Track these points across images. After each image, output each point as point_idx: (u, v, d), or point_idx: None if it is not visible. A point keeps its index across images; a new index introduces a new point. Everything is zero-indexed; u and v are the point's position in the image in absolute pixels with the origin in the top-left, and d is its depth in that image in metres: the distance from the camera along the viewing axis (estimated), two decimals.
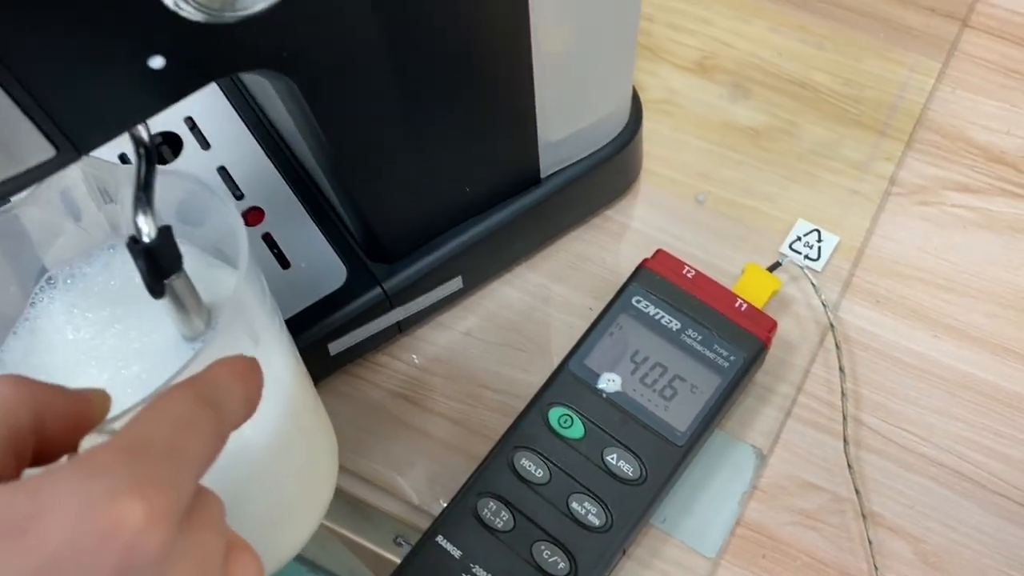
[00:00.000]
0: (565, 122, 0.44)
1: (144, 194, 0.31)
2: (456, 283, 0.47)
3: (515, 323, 0.49)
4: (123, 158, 0.46)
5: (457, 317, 0.49)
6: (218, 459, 0.25)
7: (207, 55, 0.29)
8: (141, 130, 0.31)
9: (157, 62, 0.28)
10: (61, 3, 0.25)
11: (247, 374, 0.27)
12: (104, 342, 0.33)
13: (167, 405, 0.24)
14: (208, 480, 0.25)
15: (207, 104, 0.48)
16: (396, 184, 0.40)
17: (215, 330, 0.29)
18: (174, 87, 0.29)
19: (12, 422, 0.23)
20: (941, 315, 0.48)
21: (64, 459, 0.25)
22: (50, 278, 0.35)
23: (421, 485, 0.45)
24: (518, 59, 0.38)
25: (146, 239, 0.30)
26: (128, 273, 0.35)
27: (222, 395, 0.25)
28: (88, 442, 0.26)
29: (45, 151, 0.28)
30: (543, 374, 0.45)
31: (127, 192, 0.31)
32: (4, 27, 0.24)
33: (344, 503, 0.47)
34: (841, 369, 0.46)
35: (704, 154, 0.53)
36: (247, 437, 0.31)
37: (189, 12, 0.25)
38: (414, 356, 0.49)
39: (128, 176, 0.30)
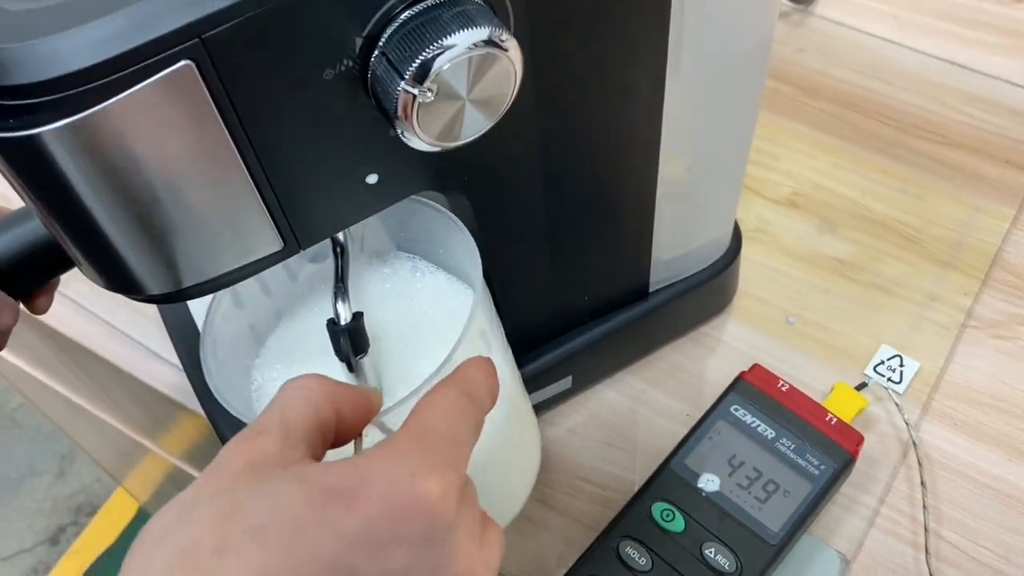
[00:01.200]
0: (676, 244, 0.49)
1: (342, 284, 0.37)
2: (566, 382, 0.52)
3: (615, 423, 0.54)
4: None
5: (563, 415, 0.54)
6: None
7: (408, 177, 0.35)
8: (340, 235, 0.38)
9: (372, 179, 0.34)
10: (314, 130, 0.31)
11: (491, 371, 0.33)
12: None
13: (440, 399, 0.30)
14: None
15: None
16: (530, 288, 0.46)
17: (462, 337, 0.35)
18: (380, 200, 0.35)
19: (322, 413, 0.29)
20: (1016, 441, 0.51)
21: (352, 443, 0.31)
22: None
23: (527, 567, 0.49)
24: (645, 189, 0.44)
25: (343, 322, 0.36)
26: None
27: (476, 389, 0.31)
28: (368, 431, 0.32)
29: (274, 246, 0.34)
30: (638, 471, 0.49)
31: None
32: (268, 144, 0.30)
33: None
34: (923, 483, 0.49)
35: (793, 280, 0.58)
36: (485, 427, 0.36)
37: (418, 144, 0.31)
38: None
39: None
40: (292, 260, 0.35)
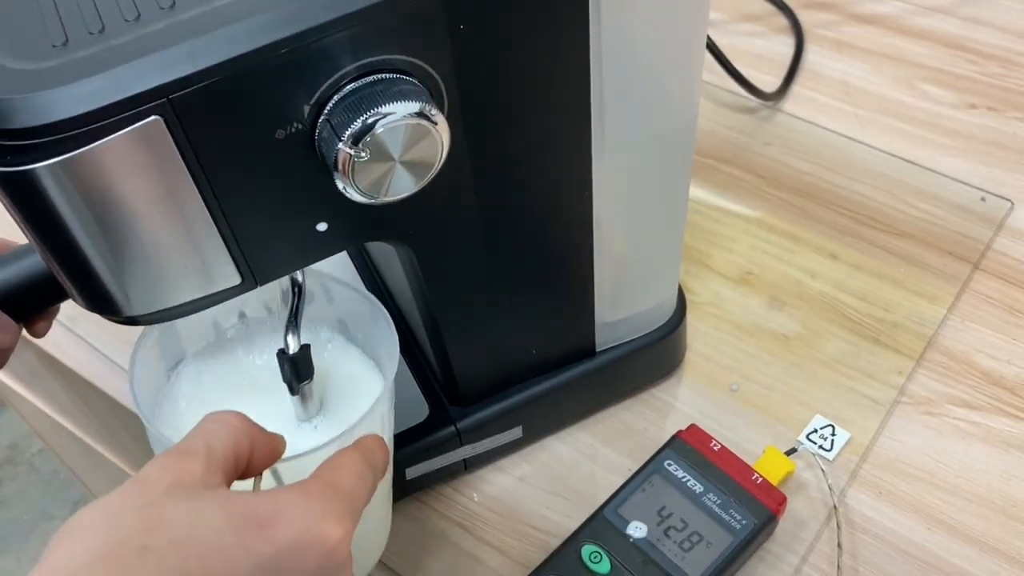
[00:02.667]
0: (619, 307, 0.54)
1: (294, 319, 0.42)
2: (517, 432, 0.56)
3: (563, 475, 0.57)
4: None
5: (515, 464, 0.58)
6: None
7: (356, 225, 0.40)
8: (298, 274, 0.43)
9: (322, 226, 0.39)
10: (269, 181, 0.36)
11: (386, 448, 0.38)
12: None
13: (348, 461, 0.35)
14: None
15: (337, 267, 0.60)
16: (477, 340, 0.51)
17: (366, 416, 0.40)
18: (330, 246, 0.40)
19: (240, 446, 0.34)
20: (937, 511, 0.54)
21: (251, 481, 0.36)
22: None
23: None
24: (582, 253, 0.49)
25: (291, 351, 0.41)
26: (252, 374, 0.46)
27: (375, 461, 0.37)
28: (267, 473, 0.36)
29: (233, 279, 0.39)
30: (580, 519, 0.53)
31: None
32: (228, 191, 0.36)
33: None
34: (839, 545, 0.53)
35: (740, 351, 0.62)
36: None
37: (354, 196, 0.36)
38: (474, 493, 0.57)
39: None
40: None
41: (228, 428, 0.34)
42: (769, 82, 0.77)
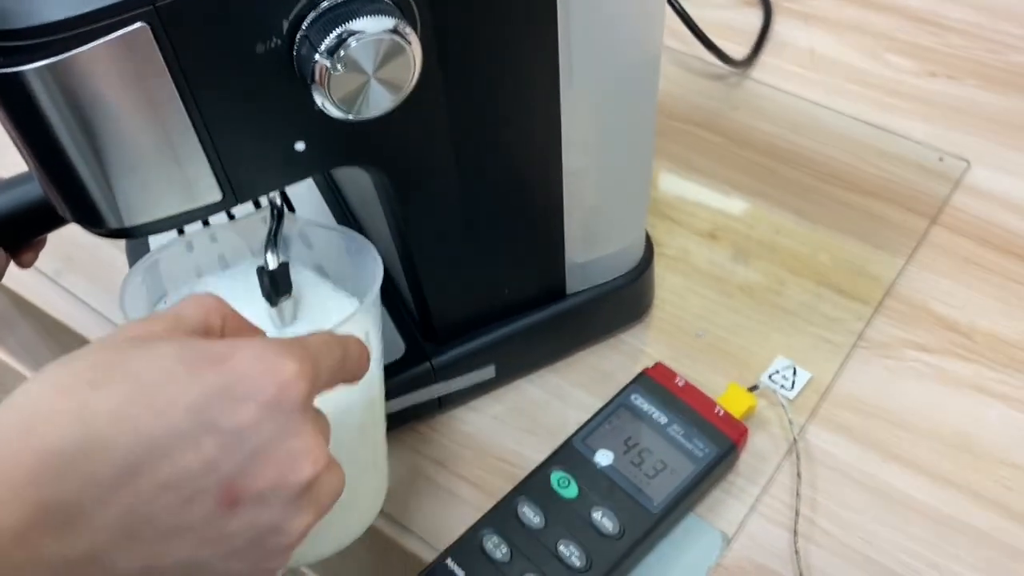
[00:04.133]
0: (588, 248, 0.56)
1: (274, 239, 0.44)
2: (489, 371, 0.58)
3: (534, 414, 0.59)
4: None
5: (487, 403, 0.60)
6: None
7: (334, 146, 0.42)
8: (276, 196, 0.45)
9: (300, 146, 0.41)
10: (250, 96, 0.38)
11: (364, 352, 0.38)
12: None
13: (318, 336, 0.36)
14: None
15: (306, 199, 0.62)
16: (451, 275, 0.53)
17: (358, 312, 0.41)
18: (309, 166, 0.42)
19: (210, 320, 0.35)
20: (891, 446, 0.57)
21: None
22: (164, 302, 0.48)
23: (440, 530, 0.54)
24: (551, 188, 0.51)
25: (271, 267, 0.43)
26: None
27: (349, 349, 0.37)
28: None
29: (215, 195, 0.41)
30: (549, 453, 0.55)
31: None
32: (211, 104, 0.38)
33: (372, 538, 0.56)
34: (798, 475, 0.55)
35: (707, 301, 0.64)
36: (343, 410, 0.42)
37: (331, 110, 0.38)
38: (449, 431, 0.59)
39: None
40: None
41: (200, 302, 0.35)
42: (738, 51, 0.79)
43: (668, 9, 0.76)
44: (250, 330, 0.37)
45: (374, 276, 0.45)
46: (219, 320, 0.35)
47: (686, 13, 0.75)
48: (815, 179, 0.71)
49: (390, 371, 0.55)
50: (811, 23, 0.83)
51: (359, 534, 0.50)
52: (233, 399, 0.30)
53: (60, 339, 0.70)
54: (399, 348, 0.56)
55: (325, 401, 0.36)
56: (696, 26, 0.75)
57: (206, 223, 0.47)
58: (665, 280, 0.65)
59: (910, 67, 0.79)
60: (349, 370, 0.37)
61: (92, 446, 0.29)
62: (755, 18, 0.84)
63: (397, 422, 0.58)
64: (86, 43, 0.33)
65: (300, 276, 0.48)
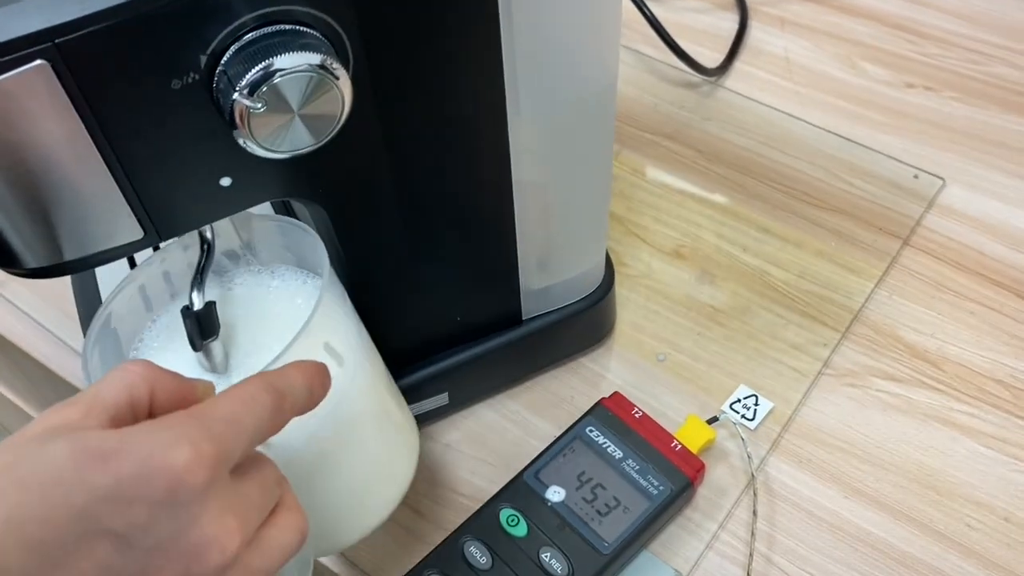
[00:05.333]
0: (544, 275, 0.54)
1: (200, 276, 0.42)
2: (443, 398, 0.56)
3: (489, 441, 0.58)
4: None
5: (442, 430, 0.58)
6: (293, 440, 0.35)
7: (262, 181, 0.40)
8: (206, 231, 0.43)
9: (226, 181, 0.39)
10: (167, 133, 0.36)
11: (313, 374, 0.36)
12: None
13: (237, 388, 0.33)
14: (286, 455, 0.35)
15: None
16: (400, 304, 0.51)
17: (291, 344, 0.38)
18: (236, 202, 0.40)
19: (135, 392, 0.33)
20: (854, 480, 0.55)
21: None
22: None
23: (387, 566, 0.53)
24: (503, 220, 0.49)
25: (196, 307, 0.40)
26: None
27: (286, 386, 0.34)
28: None
29: (136, 233, 0.39)
30: (503, 484, 0.53)
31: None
32: (124, 142, 0.35)
33: (318, 570, 0.54)
34: (754, 512, 0.53)
35: (670, 323, 0.62)
36: (318, 426, 0.40)
37: (253, 148, 0.36)
38: None
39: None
40: None
41: (124, 375, 0.33)
42: (712, 57, 0.77)
43: (637, 14, 0.74)
44: (185, 393, 0.35)
45: (320, 267, 0.42)
46: (146, 391, 0.33)
47: (657, 20, 0.73)
48: (785, 195, 0.69)
49: None
50: (787, 28, 0.81)
51: (401, 497, 0.49)
52: (122, 501, 0.29)
53: (7, 351, 0.68)
54: None
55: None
56: (667, 34, 0.73)
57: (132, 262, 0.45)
58: (628, 300, 0.63)
59: (887, 77, 0.76)
60: (292, 407, 0.35)
61: None
62: (730, 22, 0.81)
63: None
64: None
65: (252, 281, 0.46)
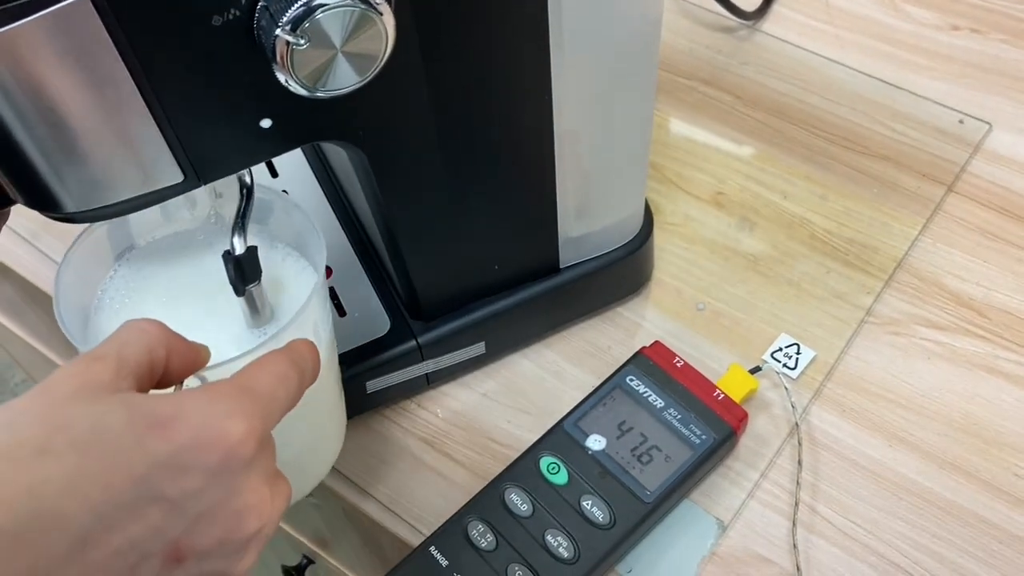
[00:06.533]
0: (582, 222, 0.53)
1: (242, 221, 0.41)
2: (479, 348, 0.56)
3: (527, 391, 0.57)
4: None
5: (478, 379, 0.58)
6: None
7: (302, 123, 0.39)
8: (245, 175, 0.42)
9: (267, 123, 0.38)
10: (208, 72, 0.35)
11: (316, 352, 0.38)
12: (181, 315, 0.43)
13: (269, 362, 0.35)
14: None
15: (297, 177, 0.59)
16: (437, 252, 0.50)
17: (294, 320, 0.40)
18: (276, 144, 0.39)
19: (155, 353, 0.33)
20: (898, 429, 0.54)
21: (171, 389, 0.35)
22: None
23: (425, 513, 0.53)
24: (543, 163, 0.48)
25: (237, 252, 0.40)
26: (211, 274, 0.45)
27: (303, 363, 0.36)
28: (190, 382, 0.36)
29: (175, 177, 0.38)
30: (540, 433, 0.53)
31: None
32: (164, 81, 0.34)
33: (359, 520, 0.54)
34: (799, 462, 0.53)
35: (709, 271, 0.61)
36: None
37: (295, 87, 0.35)
38: (438, 409, 0.57)
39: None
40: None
41: (142, 334, 0.34)
42: (750, 1, 0.75)
43: None
44: (194, 356, 0.36)
45: (319, 251, 0.43)
46: (163, 351, 0.34)
47: None
48: (826, 141, 0.67)
49: (375, 348, 0.53)
50: None
51: (314, 486, 0.50)
52: (179, 468, 0.30)
53: (39, 300, 0.68)
54: (385, 324, 0.54)
55: None
56: None
57: None
58: (666, 249, 0.62)
59: (931, 19, 0.74)
60: (307, 384, 0.37)
61: (43, 523, 0.28)
62: None
63: (383, 399, 0.55)
64: (20, 17, 0.30)
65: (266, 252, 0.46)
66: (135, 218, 0.46)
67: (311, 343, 0.38)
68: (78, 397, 0.30)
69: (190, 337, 0.37)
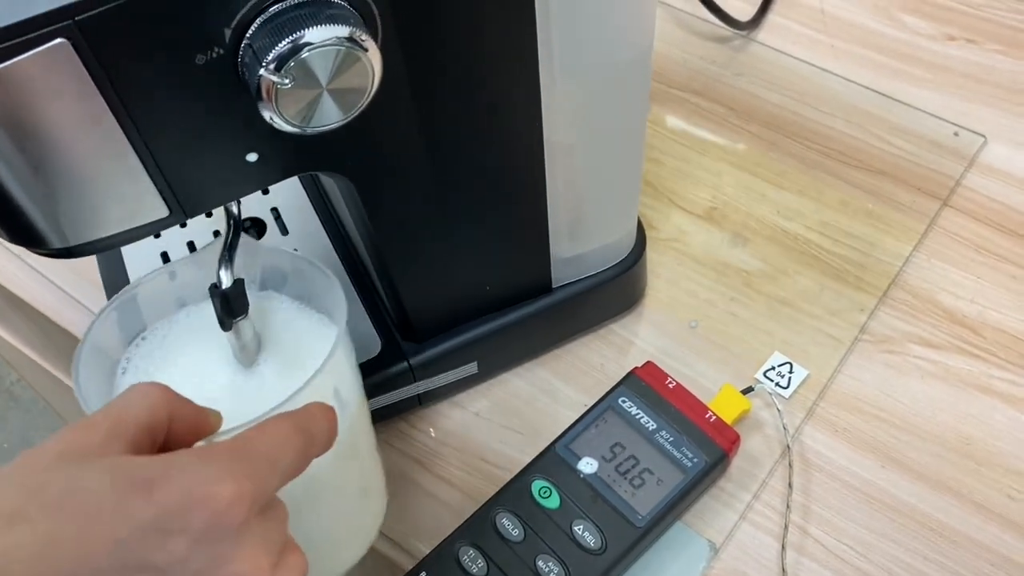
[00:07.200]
0: (575, 243, 0.52)
1: (228, 253, 0.41)
2: (472, 368, 0.56)
3: (519, 410, 0.57)
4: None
5: (471, 399, 0.58)
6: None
7: (288, 157, 0.39)
8: (233, 207, 0.42)
9: (252, 157, 0.38)
10: (191, 109, 0.35)
11: (332, 418, 0.36)
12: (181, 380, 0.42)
13: (270, 425, 0.33)
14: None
15: (290, 198, 0.59)
16: (427, 276, 0.50)
17: (308, 382, 0.38)
18: (263, 177, 0.39)
19: (156, 416, 0.32)
20: (891, 449, 0.54)
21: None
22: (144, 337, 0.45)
23: (417, 534, 0.53)
24: (535, 187, 0.47)
25: (224, 286, 0.40)
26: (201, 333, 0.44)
27: (312, 426, 0.34)
28: (197, 447, 0.35)
29: (160, 212, 0.38)
30: (533, 454, 0.52)
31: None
32: (148, 120, 0.34)
33: None
34: (790, 485, 0.52)
35: (703, 288, 0.61)
36: (314, 466, 0.39)
37: (280, 124, 0.35)
38: (431, 428, 0.57)
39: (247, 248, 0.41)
40: None
41: (144, 397, 0.33)
42: (744, 10, 0.75)
43: None
44: (200, 422, 0.34)
45: (339, 315, 0.41)
46: (165, 415, 0.32)
47: None
48: (820, 155, 0.67)
49: (366, 370, 0.53)
50: None
51: (353, 563, 0.48)
52: (163, 532, 0.28)
53: (34, 319, 0.68)
54: (375, 346, 0.53)
55: None
56: None
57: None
58: (659, 264, 0.62)
59: (927, 29, 0.74)
60: (316, 450, 0.35)
61: None
62: None
63: (375, 419, 0.55)
64: (3, 60, 0.30)
65: (276, 304, 0.45)
66: (148, 300, 0.44)
67: (326, 406, 0.36)
68: (60, 461, 0.29)
69: (224, 405, 0.36)
